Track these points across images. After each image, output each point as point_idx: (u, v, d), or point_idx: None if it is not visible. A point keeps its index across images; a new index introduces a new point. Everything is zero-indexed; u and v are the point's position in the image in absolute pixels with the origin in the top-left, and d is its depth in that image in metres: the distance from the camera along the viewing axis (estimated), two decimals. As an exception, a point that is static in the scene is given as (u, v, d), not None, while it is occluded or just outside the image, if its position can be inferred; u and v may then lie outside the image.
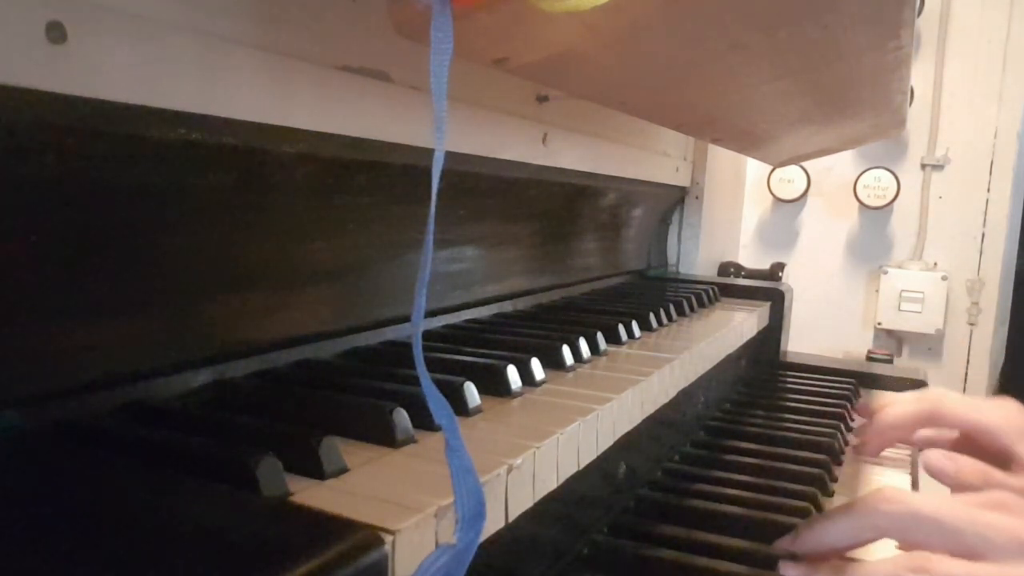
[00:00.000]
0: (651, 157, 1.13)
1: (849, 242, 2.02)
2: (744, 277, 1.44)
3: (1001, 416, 0.59)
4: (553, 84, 0.65)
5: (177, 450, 0.36)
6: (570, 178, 0.89)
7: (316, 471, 0.36)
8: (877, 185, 1.92)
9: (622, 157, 1.01)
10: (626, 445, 0.58)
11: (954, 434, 0.65)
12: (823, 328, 1.96)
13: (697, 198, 1.34)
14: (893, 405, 0.67)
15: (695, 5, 0.41)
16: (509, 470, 0.40)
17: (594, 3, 0.32)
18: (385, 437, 0.42)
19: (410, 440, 0.42)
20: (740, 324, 0.96)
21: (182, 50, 0.40)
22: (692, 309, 0.99)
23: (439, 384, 0.33)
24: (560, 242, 0.99)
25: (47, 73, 0.34)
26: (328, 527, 0.30)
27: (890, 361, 1.83)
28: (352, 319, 0.61)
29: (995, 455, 0.58)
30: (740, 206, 1.81)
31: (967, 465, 0.57)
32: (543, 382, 0.57)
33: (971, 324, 1.91)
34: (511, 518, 0.41)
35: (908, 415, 0.65)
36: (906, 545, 0.47)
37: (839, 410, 0.95)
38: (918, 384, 1.13)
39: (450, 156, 0.33)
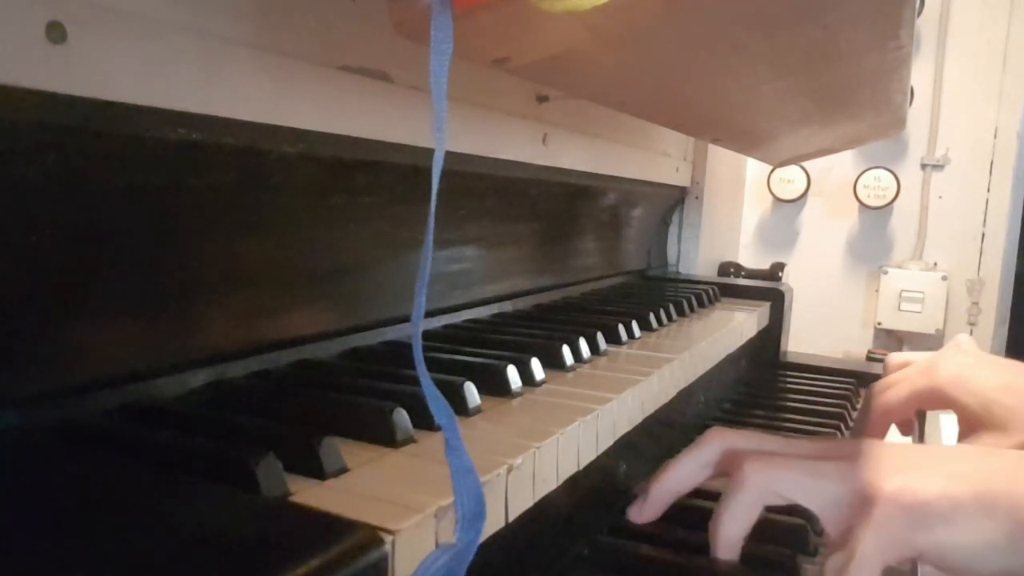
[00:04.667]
0: (651, 157, 1.13)
1: (849, 242, 2.02)
2: (744, 277, 1.44)
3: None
4: (553, 84, 0.65)
5: (177, 450, 0.36)
6: (570, 178, 0.89)
7: (316, 471, 0.36)
8: (877, 185, 1.92)
9: (622, 157, 1.01)
10: (626, 445, 0.58)
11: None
12: (823, 328, 1.96)
13: (697, 198, 1.34)
14: (890, 389, 0.65)
15: (695, 5, 0.41)
16: (509, 470, 0.40)
17: (594, 3, 0.32)
18: (385, 437, 0.42)
19: (410, 440, 0.42)
20: (740, 324, 0.96)
21: (182, 50, 0.40)
22: (692, 309, 0.99)
23: (439, 384, 0.33)
24: (560, 242, 0.99)
25: (47, 73, 0.34)
26: (328, 527, 0.30)
27: (890, 361, 1.83)
28: (352, 319, 0.61)
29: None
30: (740, 206, 1.81)
31: None
32: (543, 382, 0.57)
33: (971, 324, 1.91)
34: (511, 518, 0.41)
35: (904, 399, 0.63)
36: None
37: (839, 410, 0.95)
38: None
39: (450, 156, 0.33)
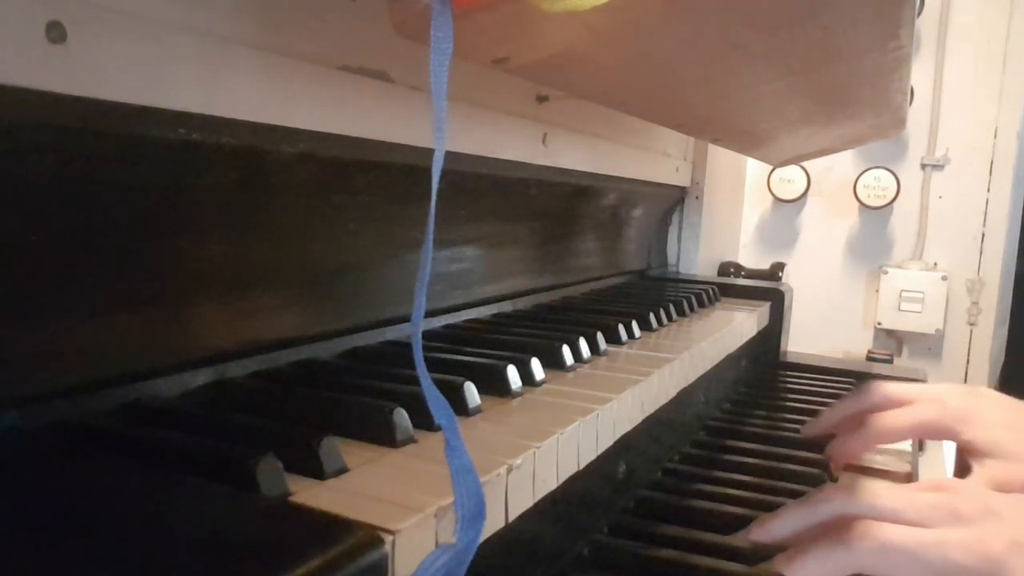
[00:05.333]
0: (651, 157, 1.13)
1: (849, 242, 2.02)
2: (744, 277, 1.44)
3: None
4: (553, 84, 0.65)
5: (177, 450, 0.36)
6: (570, 178, 0.89)
7: (316, 471, 0.36)
8: (877, 185, 1.92)
9: (622, 157, 1.01)
10: (626, 445, 0.58)
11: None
12: (823, 328, 1.96)
13: (697, 198, 1.34)
14: (892, 415, 0.64)
15: (695, 5, 0.41)
16: (509, 470, 0.40)
17: (594, 3, 0.32)
18: (385, 437, 0.42)
19: (410, 440, 0.42)
20: (740, 324, 0.96)
21: (182, 50, 0.40)
22: (692, 309, 0.99)
23: (439, 384, 0.33)
24: (560, 242, 0.99)
25: (47, 73, 0.34)
26: (328, 527, 0.30)
27: (890, 361, 1.83)
28: (352, 319, 0.61)
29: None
30: (740, 206, 1.81)
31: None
32: (543, 382, 0.57)
33: (971, 324, 1.91)
34: (511, 518, 0.41)
35: (907, 427, 0.63)
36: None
37: (839, 410, 0.95)
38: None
39: (450, 156, 0.33)
